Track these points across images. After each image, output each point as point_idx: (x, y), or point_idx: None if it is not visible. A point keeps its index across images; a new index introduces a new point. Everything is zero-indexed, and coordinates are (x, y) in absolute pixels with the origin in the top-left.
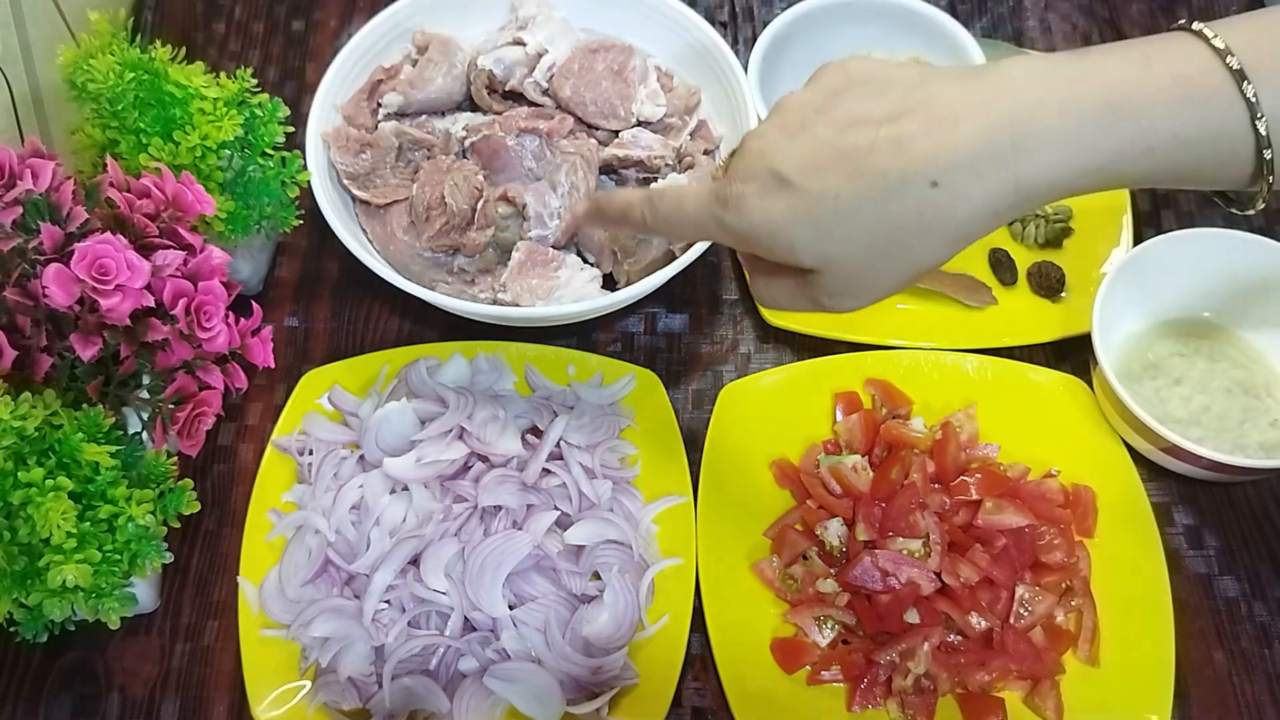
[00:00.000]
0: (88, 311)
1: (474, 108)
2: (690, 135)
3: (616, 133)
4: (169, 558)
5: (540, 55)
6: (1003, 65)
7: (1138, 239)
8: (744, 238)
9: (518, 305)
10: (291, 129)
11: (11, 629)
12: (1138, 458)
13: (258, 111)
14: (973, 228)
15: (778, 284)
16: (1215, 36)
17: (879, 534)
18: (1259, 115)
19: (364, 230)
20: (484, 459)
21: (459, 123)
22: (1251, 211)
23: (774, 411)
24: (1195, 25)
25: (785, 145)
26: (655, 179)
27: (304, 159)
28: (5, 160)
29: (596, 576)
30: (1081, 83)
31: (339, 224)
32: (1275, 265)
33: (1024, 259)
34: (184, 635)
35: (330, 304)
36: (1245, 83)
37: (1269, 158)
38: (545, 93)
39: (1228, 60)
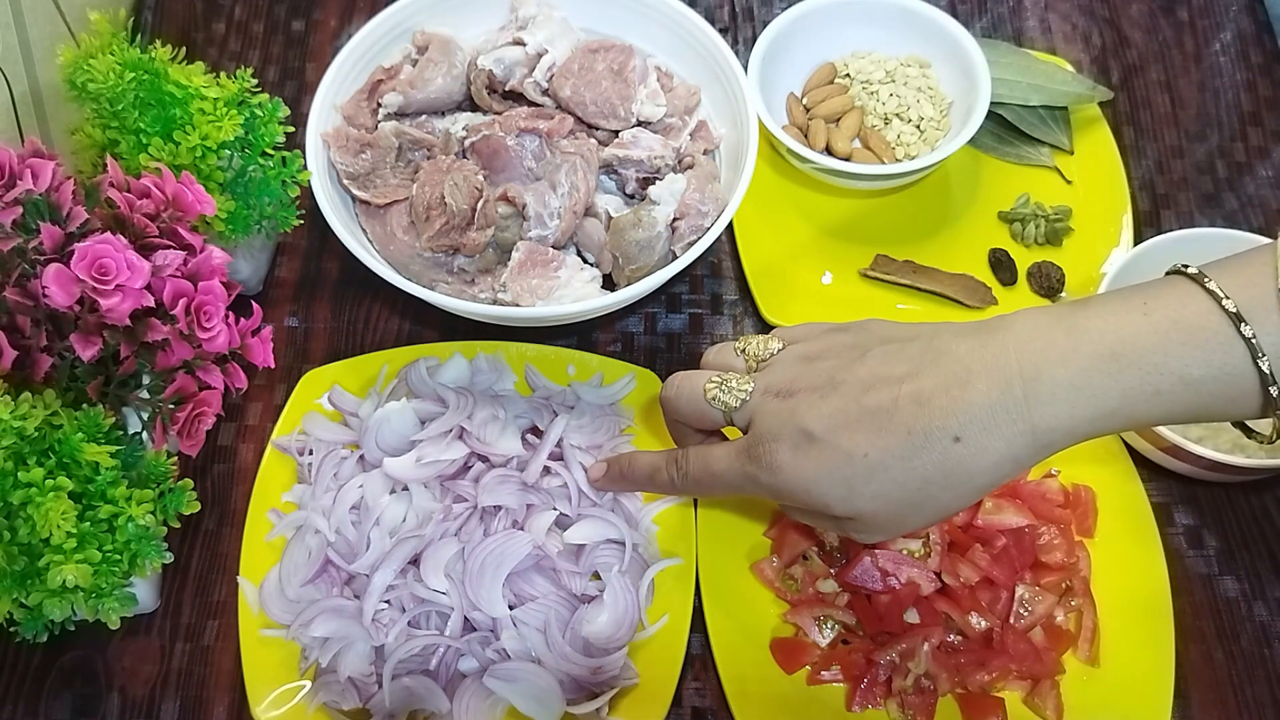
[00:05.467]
0: (88, 311)
1: (474, 108)
2: (690, 135)
3: (616, 133)
4: (169, 558)
5: (540, 55)
6: (1007, 320)
7: (1138, 239)
8: (779, 494)
9: (518, 305)
10: (291, 129)
11: (11, 629)
12: (1138, 458)
13: (258, 111)
14: (996, 475)
15: (814, 520)
16: (1209, 280)
17: None
18: (1260, 355)
19: (364, 230)
20: (484, 459)
21: (459, 123)
22: (1275, 442)
23: None
24: (1189, 269)
25: (815, 403)
26: (655, 179)
27: (304, 159)
28: (5, 160)
29: (596, 576)
30: (1083, 333)
31: (339, 224)
32: None
33: (1024, 259)
34: (184, 635)
35: (330, 304)
36: (1243, 324)
37: (1275, 394)
38: (545, 93)
39: (1224, 303)
